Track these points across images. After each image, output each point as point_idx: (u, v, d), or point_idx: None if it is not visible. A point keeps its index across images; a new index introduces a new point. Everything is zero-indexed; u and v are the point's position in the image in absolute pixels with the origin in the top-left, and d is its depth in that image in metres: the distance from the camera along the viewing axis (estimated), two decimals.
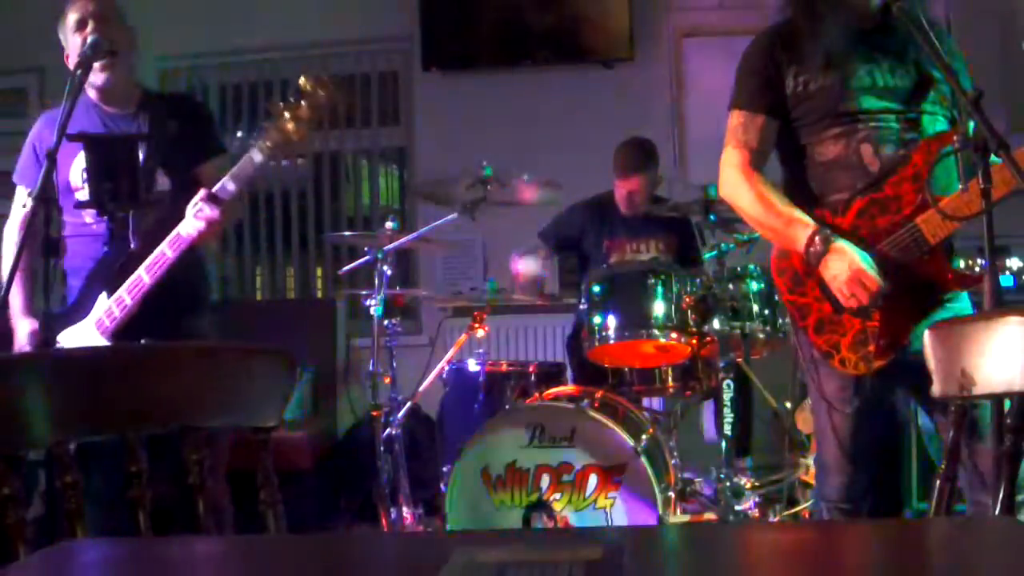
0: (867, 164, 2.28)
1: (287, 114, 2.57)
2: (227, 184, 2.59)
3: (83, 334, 2.67)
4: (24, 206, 2.82)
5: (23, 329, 2.76)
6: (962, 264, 4.10)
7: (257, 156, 2.58)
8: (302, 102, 2.58)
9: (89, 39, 2.58)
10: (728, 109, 2.44)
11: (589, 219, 4.30)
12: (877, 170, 2.27)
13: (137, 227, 2.66)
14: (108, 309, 2.65)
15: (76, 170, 2.74)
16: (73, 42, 2.68)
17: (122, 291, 2.63)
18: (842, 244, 2.23)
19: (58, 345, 2.66)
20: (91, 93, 2.76)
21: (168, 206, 2.73)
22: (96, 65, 2.62)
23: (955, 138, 2.12)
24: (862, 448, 2.30)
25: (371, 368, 3.58)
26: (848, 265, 2.20)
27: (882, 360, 2.25)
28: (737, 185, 2.39)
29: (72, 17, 2.69)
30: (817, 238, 2.25)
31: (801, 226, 2.28)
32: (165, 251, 2.60)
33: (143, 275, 2.61)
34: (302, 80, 2.61)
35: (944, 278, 2.25)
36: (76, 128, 2.56)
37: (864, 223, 2.27)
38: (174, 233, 2.59)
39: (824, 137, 2.32)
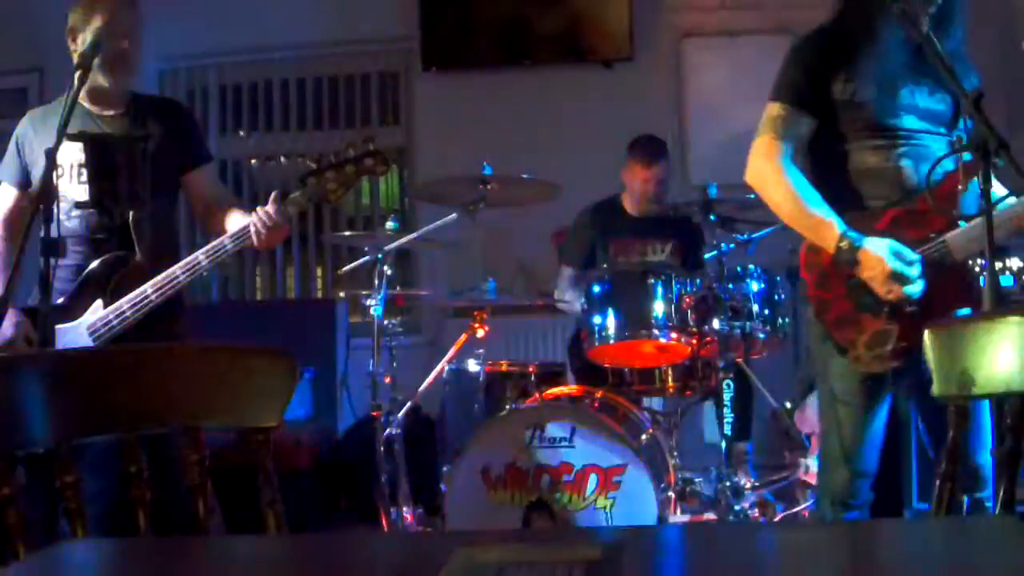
0: (905, 179, 2.32)
1: (330, 174, 2.60)
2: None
3: (73, 336, 2.64)
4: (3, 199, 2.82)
5: (8, 319, 2.66)
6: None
7: (291, 209, 2.61)
8: (346, 167, 2.61)
9: (89, 38, 2.57)
10: (770, 98, 2.40)
11: (595, 225, 4.27)
12: (913, 186, 2.30)
13: (139, 235, 2.66)
14: (105, 318, 2.63)
15: (68, 169, 2.72)
16: (85, 38, 2.63)
17: (124, 303, 2.62)
18: (867, 250, 2.24)
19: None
20: (81, 92, 2.71)
21: (161, 213, 2.75)
22: (111, 68, 2.64)
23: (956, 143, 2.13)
24: (865, 444, 2.32)
25: (371, 368, 3.58)
26: (880, 267, 2.22)
27: (896, 361, 2.27)
28: (770, 176, 2.37)
29: (101, 17, 2.64)
30: (843, 243, 2.27)
31: (830, 229, 2.29)
32: (177, 275, 2.61)
33: (150, 292, 2.61)
34: (349, 148, 2.62)
35: (965, 295, 2.27)
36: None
37: (893, 231, 2.29)
38: (192, 258, 2.61)
39: (864, 146, 2.35)
